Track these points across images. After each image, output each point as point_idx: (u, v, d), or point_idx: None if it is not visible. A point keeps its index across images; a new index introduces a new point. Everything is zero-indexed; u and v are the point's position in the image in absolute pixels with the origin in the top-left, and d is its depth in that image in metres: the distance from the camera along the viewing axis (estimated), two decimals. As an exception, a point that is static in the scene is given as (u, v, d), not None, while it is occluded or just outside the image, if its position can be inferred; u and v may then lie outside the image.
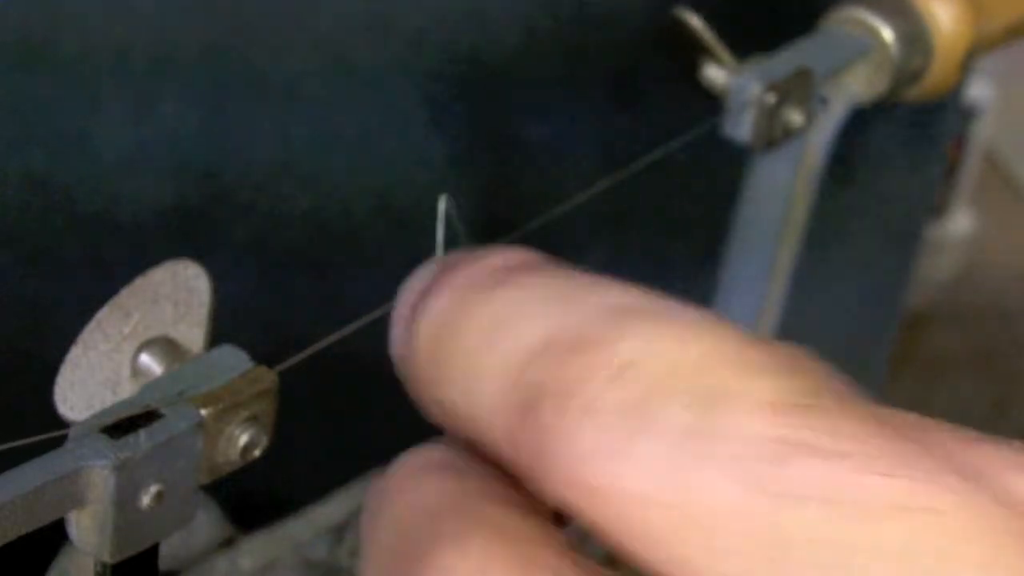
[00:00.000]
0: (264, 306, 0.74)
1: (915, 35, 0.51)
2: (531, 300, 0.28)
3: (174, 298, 0.37)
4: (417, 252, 0.38)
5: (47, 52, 0.66)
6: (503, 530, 0.26)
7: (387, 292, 0.41)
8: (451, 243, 0.40)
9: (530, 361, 0.27)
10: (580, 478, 0.25)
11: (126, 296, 0.36)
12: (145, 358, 0.37)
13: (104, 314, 0.36)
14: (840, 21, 0.51)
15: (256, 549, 0.55)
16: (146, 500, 0.33)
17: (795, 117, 0.48)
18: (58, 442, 0.33)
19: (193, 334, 0.37)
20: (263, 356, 0.36)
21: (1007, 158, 1.70)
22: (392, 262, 0.74)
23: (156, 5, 0.68)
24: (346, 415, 0.81)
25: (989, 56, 0.55)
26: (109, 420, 0.33)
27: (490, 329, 0.28)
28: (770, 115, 0.48)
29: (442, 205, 0.38)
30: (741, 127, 0.48)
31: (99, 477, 0.32)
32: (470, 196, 0.73)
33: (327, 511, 0.57)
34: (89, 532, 0.33)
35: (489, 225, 0.41)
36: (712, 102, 0.49)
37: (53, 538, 0.36)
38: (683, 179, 0.81)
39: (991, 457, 0.26)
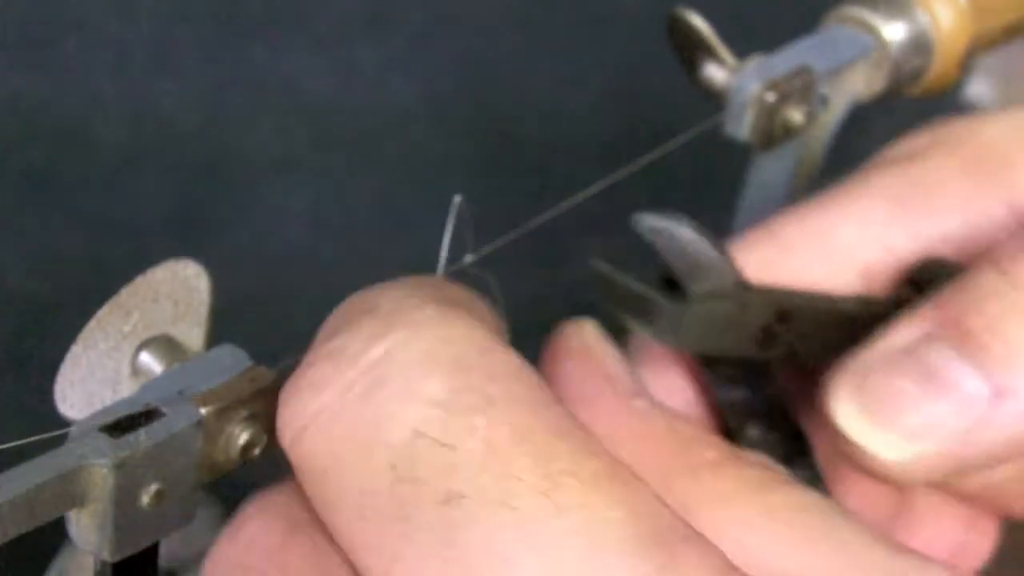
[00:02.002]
0: (264, 306, 0.74)
1: (915, 34, 0.51)
2: None
3: (174, 297, 0.37)
4: (417, 252, 0.38)
5: (47, 52, 0.66)
6: None
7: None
8: (457, 244, 0.40)
9: None
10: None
11: (126, 295, 0.36)
12: (145, 357, 0.37)
13: (104, 313, 0.36)
14: (840, 20, 0.51)
15: (256, 549, 0.55)
16: (146, 499, 0.33)
17: (795, 116, 0.48)
18: (58, 441, 0.33)
19: (193, 333, 0.37)
20: (263, 356, 0.36)
21: (1007, 158, 1.70)
22: (392, 262, 0.74)
23: (156, 4, 0.68)
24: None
25: (989, 56, 0.55)
26: (109, 419, 0.33)
27: None
28: (770, 114, 0.48)
29: (455, 205, 0.38)
30: (741, 126, 0.48)
31: (99, 476, 0.32)
32: (470, 196, 0.73)
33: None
34: (89, 531, 0.33)
35: (489, 225, 0.41)
36: (712, 101, 0.49)
37: (53, 537, 0.36)
38: (683, 178, 0.81)
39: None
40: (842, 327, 0.38)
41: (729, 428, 0.39)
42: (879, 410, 0.35)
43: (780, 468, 0.34)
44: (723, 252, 0.37)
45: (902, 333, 0.36)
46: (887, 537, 0.32)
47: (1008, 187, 0.41)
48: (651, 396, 0.36)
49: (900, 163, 0.43)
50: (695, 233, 0.37)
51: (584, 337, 0.37)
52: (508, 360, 0.32)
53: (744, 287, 0.37)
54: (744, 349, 0.38)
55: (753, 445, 0.38)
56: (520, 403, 0.30)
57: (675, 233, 0.37)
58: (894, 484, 0.36)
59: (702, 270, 0.37)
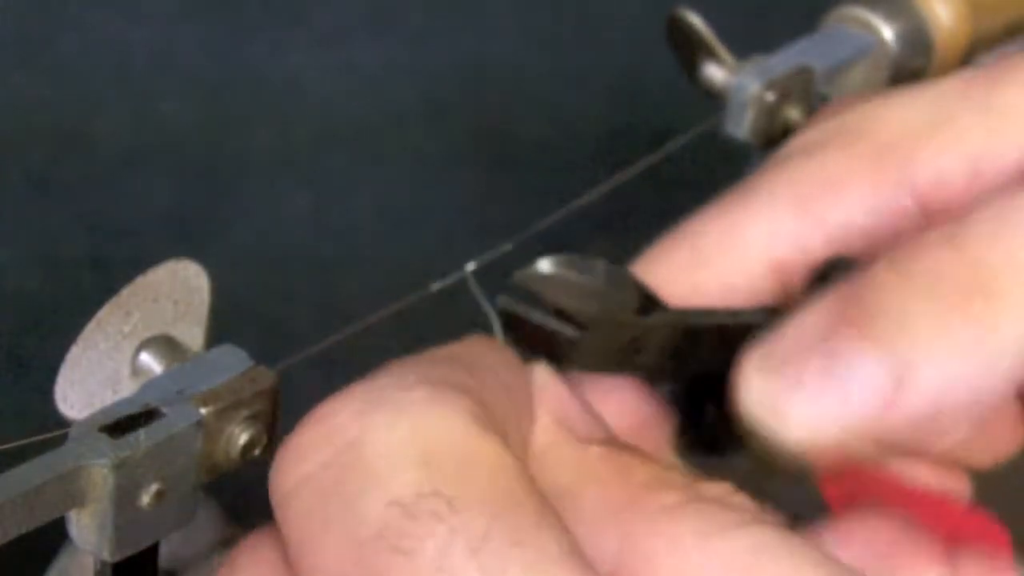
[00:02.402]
0: (264, 306, 0.74)
1: (915, 34, 0.51)
2: None
3: (174, 297, 0.37)
4: (417, 252, 0.38)
5: (47, 52, 0.67)
6: None
7: (387, 292, 0.41)
8: (458, 250, 0.40)
9: None
10: None
11: (126, 295, 0.36)
12: (145, 357, 0.37)
13: (104, 313, 0.36)
14: (840, 20, 0.51)
15: (256, 549, 0.55)
16: (146, 499, 0.33)
17: (795, 116, 0.48)
18: (58, 441, 0.33)
19: (193, 333, 0.37)
20: (263, 356, 0.36)
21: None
22: (392, 262, 0.74)
23: (156, 4, 0.68)
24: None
25: (989, 55, 0.55)
26: (109, 419, 0.33)
27: None
28: (770, 113, 0.48)
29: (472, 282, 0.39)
30: (741, 126, 0.48)
31: (99, 476, 0.32)
32: (470, 196, 0.73)
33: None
34: (89, 531, 0.33)
35: (489, 225, 0.41)
36: (712, 101, 0.49)
37: (53, 537, 0.36)
38: (683, 178, 0.81)
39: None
40: (749, 339, 0.38)
41: (690, 429, 0.39)
42: (784, 392, 0.35)
43: (741, 499, 0.34)
44: (619, 276, 0.38)
45: (808, 319, 0.36)
46: (846, 569, 0.32)
47: (910, 176, 0.41)
48: (606, 432, 0.36)
49: (803, 157, 0.43)
50: (578, 270, 0.37)
51: (537, 384, 0.37)
52: (483, 453, 0.32)
53: (642, 311, 0.38)
54: (657, 369, 0.38)
55: (717, 444, 0.38)
56: (483, 508, 0.31)
57: (555, 275, 0.37)
58: (798, 467, 0.36)
59: (596, 299, 0.37)
